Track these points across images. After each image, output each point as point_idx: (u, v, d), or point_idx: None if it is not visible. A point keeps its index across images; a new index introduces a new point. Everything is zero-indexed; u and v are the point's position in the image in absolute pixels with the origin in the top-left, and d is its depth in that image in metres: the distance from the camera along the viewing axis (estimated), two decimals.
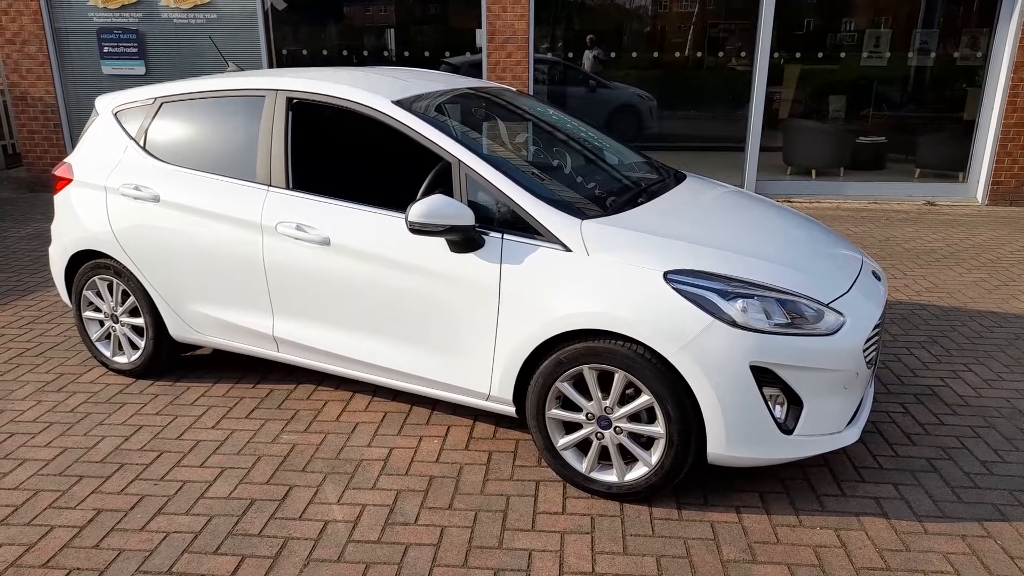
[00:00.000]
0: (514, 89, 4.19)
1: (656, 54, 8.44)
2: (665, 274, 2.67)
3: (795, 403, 2.66)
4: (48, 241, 6.73)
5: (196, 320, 3.67)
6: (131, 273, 3.75)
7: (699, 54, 8.38)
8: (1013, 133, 7.94)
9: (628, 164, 3.80)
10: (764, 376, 2.59)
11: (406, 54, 8.65)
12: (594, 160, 3.71)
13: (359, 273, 3.14)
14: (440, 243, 2.96)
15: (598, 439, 2.86)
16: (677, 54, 8.41)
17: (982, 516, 2.77)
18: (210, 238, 3.46)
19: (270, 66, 8.67)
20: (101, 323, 4.03)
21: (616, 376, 2.74)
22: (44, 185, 9.02)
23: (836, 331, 2.66)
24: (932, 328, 4.61)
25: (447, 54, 8.62)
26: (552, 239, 2.83)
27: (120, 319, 3.92)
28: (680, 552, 2.60)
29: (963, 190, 8.38)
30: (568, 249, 2.80)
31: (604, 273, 2.73)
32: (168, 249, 3.58)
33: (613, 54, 8.46)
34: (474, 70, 8.47)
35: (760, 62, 8.04)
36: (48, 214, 7.83)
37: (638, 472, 2.82)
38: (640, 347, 2.67)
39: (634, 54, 8.46)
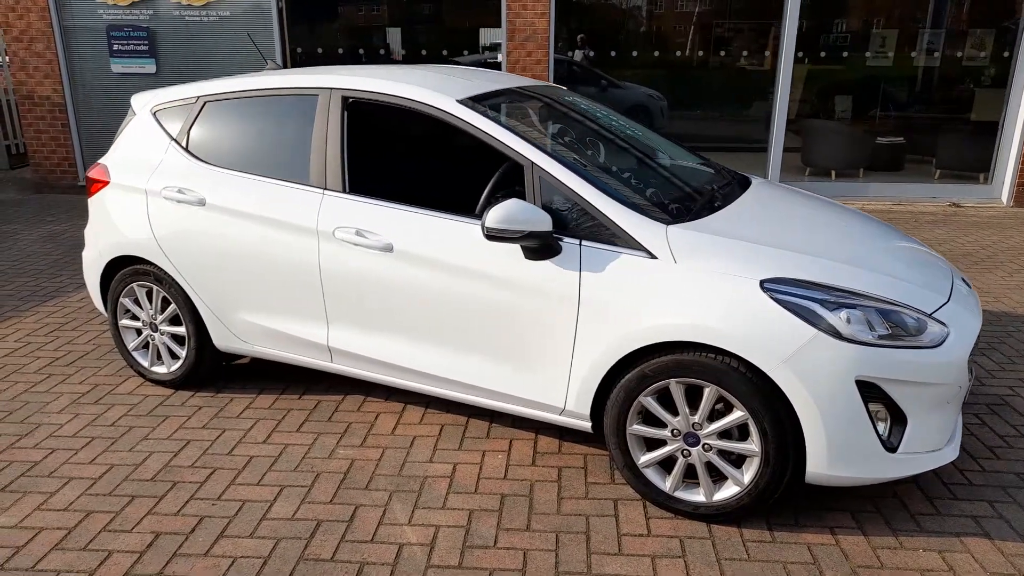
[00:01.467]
0: (564, 88, 4.04)
1: (678, 53, 8.31)
2: (762, 283, 2.54)
3: (898, 420, 2.53)
4: (65, 243, 6.54)
5: (242, 329, 3.51)
6: (173, 280, 3.58)
7: (721, 53, 8.26)
8: None
9: (690, 167, 3.66)
10: (869, 391, 2.46)
11: (423, 52, 8.49)
12: (659, 163, 3.56)
13: (424, 281, 2.99)
14: (514, 250, 2.82)
15: (684, 456, 2.72)
16: (700, 53, 8.29)
17: None
18: (260, 244, 3.30)
19: (284, 65, 8.49)
20: (138, 332, 3.86)
21: (706, 391, 2.60)
22: (51, 186, 8.82)
23: (941, 343, 2.53)
24: (987, 335, 4.50)
25: (465, 52, 8.47)
26: (635, 246, 2.69)
27: (160, 328, 3.75)
28: None
29: (987, 191, 8.30)
30: (653, 256, 2.66)
31: (694, 282, 2.59)
32: (214, 255, 3.42)
33: (635, 53, 8.33)
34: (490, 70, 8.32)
35: (784, 63, 7.94)
36: (59, 216, 7.63)
37: (728, 492, 2.68)
38: (734, 360, 2.53)
39: (656, 53, 8.33)
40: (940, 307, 2.65)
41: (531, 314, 2.82)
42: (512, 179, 3.33)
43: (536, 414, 2.98)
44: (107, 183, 3.74)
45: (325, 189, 3.21)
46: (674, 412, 2.70)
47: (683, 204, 2.99)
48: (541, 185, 2.83)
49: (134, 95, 3.90)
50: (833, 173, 8.60)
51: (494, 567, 2.53)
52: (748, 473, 2.62)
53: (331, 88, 3.27)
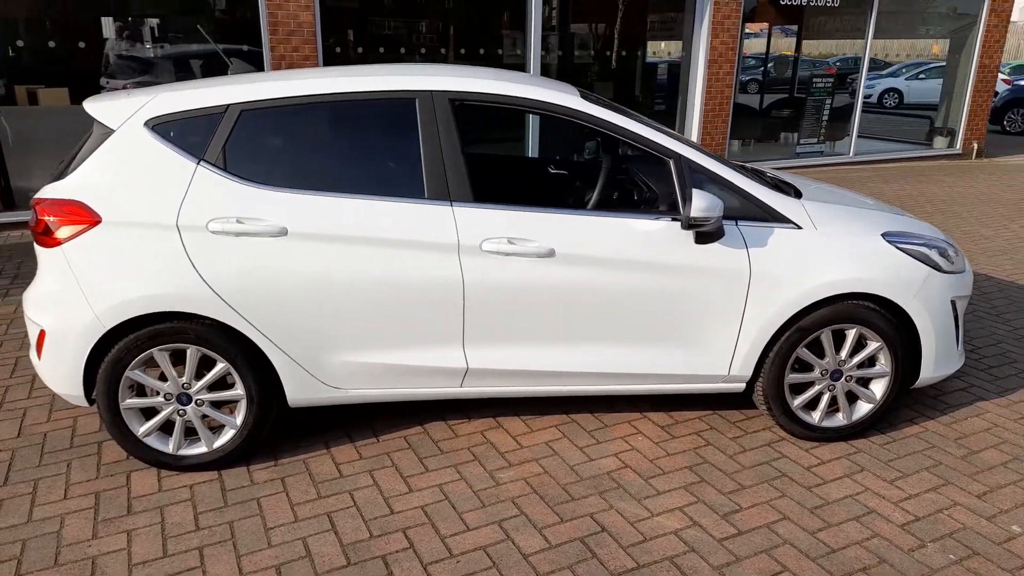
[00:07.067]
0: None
1: (443, 50, 8.58)
2: (883, 236, 3.18)
3: (957, 326, 3.42)
4: None
5: (338, 373, 3.01)
6: (233, 332, 2.89)
7: (480, 51, 8.76)
8: (711, 116, 10.02)
9: None
10: (952, 308, 3.29)
11: (164, 45, 7.35)
12: None
13: (593, 281, 3.00)
14: (683, 237, 3.02)
15: (830, 391, 3.27)
16: (463, 50, 8.67)
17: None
18: (378, 270, 2.89)
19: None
20: (146, 412, 3.01)
21: (849, 332, 3.17)
22: None
23: (966, 266, 3.48)
24: None
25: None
26: (784, 220, 3.12)
27: (196, 397, 2.98)
28: (930, 463, 3.18)
29: None
30: (799, 227, 3.12)
31: (836, 243, 3.12)
32: (308, 291, 2.88)
33: (403, 50, 8.36)
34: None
35: (533, 60, 8.77)
36: None
37: (863, 410, 3.31)
38: (873, 301, 3.15)
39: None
40: (951, 241, 3.60)
41: (704, 293, 3.06)
42: (618, 171, 3.45)
43: (695, 387, 3.23)
44: (94, 223, 2.81)
45: (451, 201, 2.95)
46: (820, 356, 3.22)
47: (781, 183, 3.47)
48: (690, 176, 3.06)
49: (92, 102, 2.96)
50: (576, 156, 9.76)
51: (765, 522, 2.78)
52: (879, 391, 3.28)
53: (432, 91, 2.99)
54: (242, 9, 7.52)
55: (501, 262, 2.95)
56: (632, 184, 3.48)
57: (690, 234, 3.02)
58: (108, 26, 7.12)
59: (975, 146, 12.08)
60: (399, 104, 2.99)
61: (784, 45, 11.06)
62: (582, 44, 9.41)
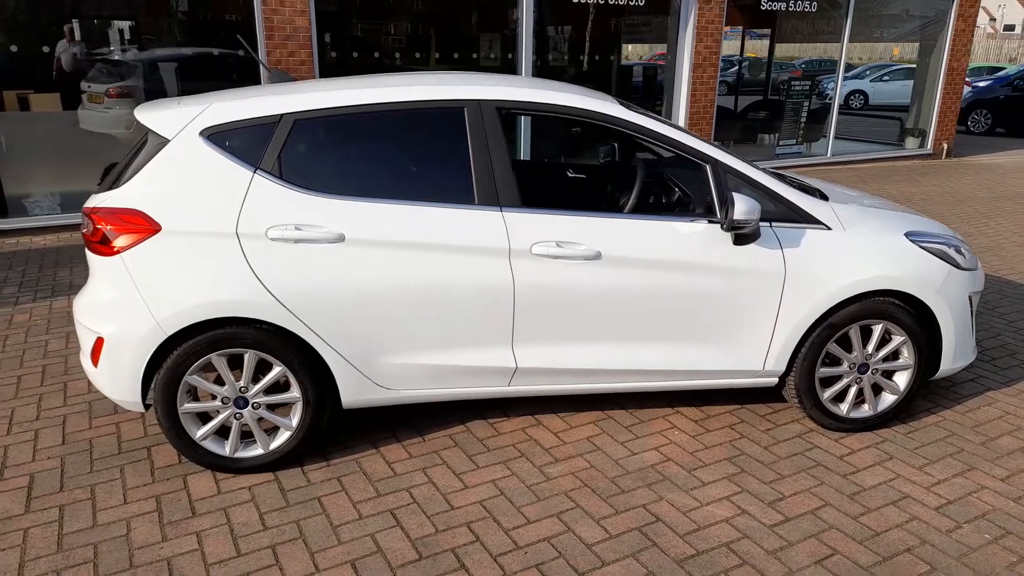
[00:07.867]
0: None
1: (417, 55, 8.65)
2: (906, 235, 3.36)
3: (972, 321, 3.61)
4: None
5: (391, 374, 3.09)
6: (291, 336, 2.96)
7: (473, 55, 8.85)
8: (696, 119, 10.24)
9: None
10: (969, 303, 3.48)
11: (154, 49, 7.30)
12: None
13: (636, 282, 3.11)
14: (722, 239, 3.15)
15: (857, 384, 3.43)
16: (455, 55, 8.75)
17: None
18: (431, 274, 2.98)
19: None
20: (202, 417, 3.06)
21: (876, 328, 3.34)
22: None
23: (978, 264, 3.67)
24: None
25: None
26: (814, 221, 3.27)
27: (252, 400, 3.03)
28: (953, 450, 3.36)
29: None
30: (829, 228, 3.28)
31: (864, 243, 3.28)
32: (364, 296, 2.95)
33: (398, 55, 8.41)
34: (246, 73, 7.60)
35: (525, 63, 8.89)
36: None
37: (887, 401, 3.48)
38: (897, 298, 3.32)
39: (415, 54, 8.54)
40: (963, 239, 3.80)
41: (742, 292, 3.20)
42: (652, 176, 3.57)
43: (731, 382, 3.37)
44: (153, 231, 2.85)
45: (500, 206, 3.05)
46: (848, 350, 3.38)
47: (807, 187, 3.63)
48: (726, 180, 3.20)
49: (144, 111, 3.00)
50: (562, 157, 9.88)
51: (809, 509, 2.92)
52: (902, 382, 3.45)
53: (479, 99, 3.08)
54: (237, 14, 7.51)
55: (550, 265, 3.06)
56: (664, 187, 3.61)
57: (729, 236, 3.16)
58: (97, 30, 7.06)
59: (945, 146, 12.50)
60: (449, 113, 3.08)
61: (762, 49, 11.34)
62: (560, 47, 9.54)
